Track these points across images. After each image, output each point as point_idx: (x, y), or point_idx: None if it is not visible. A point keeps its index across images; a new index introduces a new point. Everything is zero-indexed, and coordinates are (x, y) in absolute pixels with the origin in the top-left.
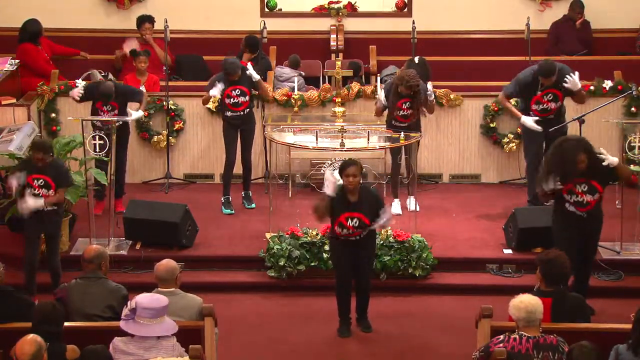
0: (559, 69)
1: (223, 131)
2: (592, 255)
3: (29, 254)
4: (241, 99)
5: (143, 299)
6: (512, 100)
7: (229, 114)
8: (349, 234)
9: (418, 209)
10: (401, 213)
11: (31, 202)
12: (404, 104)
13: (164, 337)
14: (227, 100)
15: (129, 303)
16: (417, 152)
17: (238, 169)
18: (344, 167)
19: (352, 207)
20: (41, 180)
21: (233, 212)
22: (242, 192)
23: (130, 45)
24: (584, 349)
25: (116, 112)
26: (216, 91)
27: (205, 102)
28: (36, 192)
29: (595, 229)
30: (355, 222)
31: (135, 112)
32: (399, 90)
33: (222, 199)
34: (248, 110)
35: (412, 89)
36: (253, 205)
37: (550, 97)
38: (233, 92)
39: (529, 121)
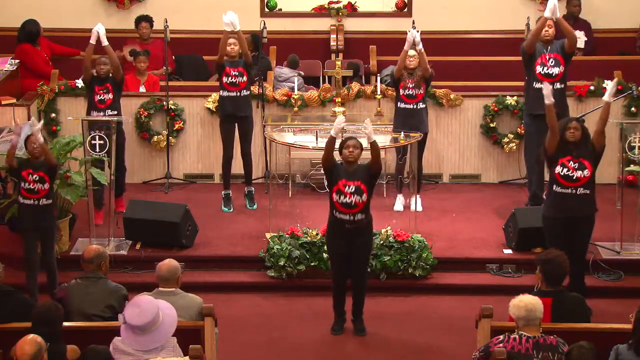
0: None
1: (220, 127)
2: (584, 249)
3: (28, 252)
4: (239, 79)
5: (131, 319)
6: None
7: (225, 93)
8: (347, 207)
9: (421, 209)
10: (402, 210)
11: None
12: (409, 84)
13: None
14: (224, 79)
15: (119, 317)
16: (420, 151)
17: (239, 168)
18: (345, 141)
19: (349, 175)
20: (35, 175)
21: (231, 210)
22: (245, 189)
23: (129, 48)
24: (583, 350)
25: (111, 95)
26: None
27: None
28: (31, 187)
29: (587, 217)
30: (352, 188)
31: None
32: (403, 68)
33: (222, 194)
34: (245, 92)
35: (414, 48)
36: (255, 207)
37: (552, 62)
38: (232, 71)
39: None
